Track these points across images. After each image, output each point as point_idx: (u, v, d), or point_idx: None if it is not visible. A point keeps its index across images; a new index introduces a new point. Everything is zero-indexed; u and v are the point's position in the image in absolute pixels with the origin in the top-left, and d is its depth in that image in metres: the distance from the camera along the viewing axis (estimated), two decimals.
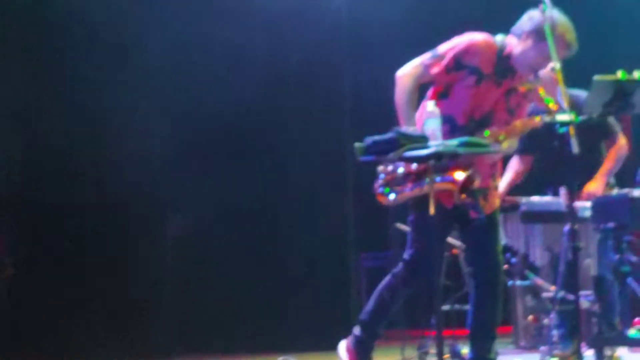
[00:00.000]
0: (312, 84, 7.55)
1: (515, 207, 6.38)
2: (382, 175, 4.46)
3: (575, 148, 4.09)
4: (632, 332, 5.12)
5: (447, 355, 5.52)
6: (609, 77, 4.83)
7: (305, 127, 7.58)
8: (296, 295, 7.55)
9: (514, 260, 6.63)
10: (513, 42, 4.53)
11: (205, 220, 7.56)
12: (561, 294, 5.75)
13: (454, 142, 4.17)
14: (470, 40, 4.51)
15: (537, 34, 4.42)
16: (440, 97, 4.54)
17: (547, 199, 6.09)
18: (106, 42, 7.29)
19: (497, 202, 4.67)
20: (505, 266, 6.42)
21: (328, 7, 7.57)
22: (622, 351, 5.59)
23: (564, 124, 4.14)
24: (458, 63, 4.48)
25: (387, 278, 4.74)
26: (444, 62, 4.49)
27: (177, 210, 7.55)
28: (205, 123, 7.51)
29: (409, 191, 4.43)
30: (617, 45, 7.71)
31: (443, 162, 4.19)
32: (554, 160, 5.38)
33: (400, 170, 4.42)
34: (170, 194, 7.53)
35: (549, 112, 4.39)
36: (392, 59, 8.02)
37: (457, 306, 6.46)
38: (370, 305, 4.80)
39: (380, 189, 4.48)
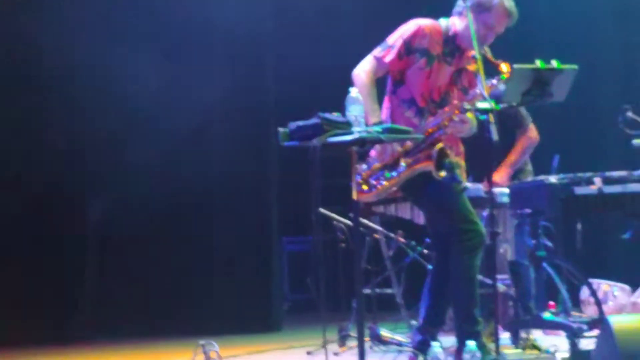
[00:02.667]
0: (236, 69, 7.51)
1: None
2: (358, 176, 4.58)
3: (494, 135, 4.17)
4: (546, 315, 5.23)
5: (367, 338, 5.57)
6: (528, 66, 4.91)
7: (228, 111, 7.54)
8: (219, 278, 7.53)
9: None
10: (456, 21, 4.70)
11: (127, 204, 7.48)
12: (479, 277, 5.85)
13: (377, 128, 4.23)
14: (417, 25, 4.69)
15: (477, 6, 4.60)
16: (397, 85, 4.74)
17: (467, 184, 6.17)
18: None
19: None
20: (425, 251, 6.51)
21: None
22: (537, 333, 5.71)
23: (484, 111, 4.21)
24: (408, 47, 4.65)
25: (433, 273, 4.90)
26: (395, 49, 4.66)
27: (98, 193, 7.45)
28: (127, 108, 7.41)
29: (390, 179, 4.57)
30: (536, 34, 7.84)
31: (367, 147, 4.29)
32: (474, 146, 5.48)
33: (377, 165, 4.55)
34: (90, 177, 7.43)
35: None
36: (316, 44, 8.09)
37: (377, 290, 6.53)
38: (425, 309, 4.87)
39: (359, 188, 4.59)
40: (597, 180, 5.06)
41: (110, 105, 7.42)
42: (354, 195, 4.21)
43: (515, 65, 4.89)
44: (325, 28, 8.18)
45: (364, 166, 4.70)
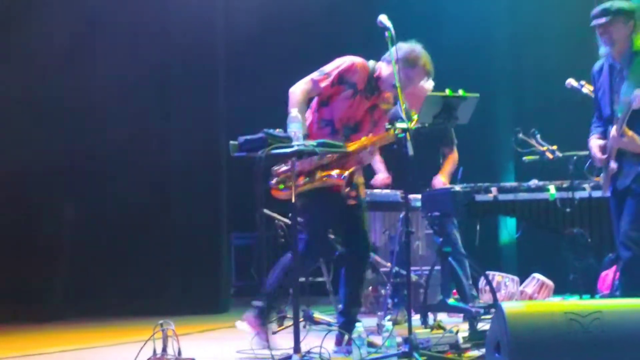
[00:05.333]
0: (193, 92, 7.50)
1: None
2: (275, 174, 4.58)
3: (410, 151, 4.19)
4: (451, 301, 5.28)
5: (301, 319, 5.56)
6: (438, 94, 4.98)
7: (187, 126, 7.53)
8: (176, 267, 7.48)
9: None
10: (383, 67, 4.71)
11: (99, 204, 7.40)
12: (395, 269, 5.89)
13: (312, 143, 4.24)
14: (352, 62, 4.70)
15: (404, 61, 4.61)
16: (322, 105, 4.74)
17: (387, 191, 6.21)
18: None
19: (363, 193, 4.89)
20: None
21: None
22: (442, 316, 5.78)
23: (402, 130, 4.24)
24: (341, 79, 4.67)
25: (288, 257, 4.77)
26: (331, 77, 4.66)
27: (72, 192, 7.36)
28: (97, 117, 7.34)
29: (302, 185, 4.56)
30: (446, 68, 7.93)
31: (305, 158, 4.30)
32: (394, 159, 5.53)
33: (296, 170, 4.54)
34: (65, 178, 7.34)
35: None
36: (264, 65, 8.06)
37: (310, 278, 6.52)
38: (273, 281, 4.77)
39: (275, 185, 4.58)
40: (494, 190, 5.12)
41: (87, 123, 7.34)
42: (292, 198, 4.21)
43: (428, 93, 4.95)
44: (271, 53, 8.16)
45: (284, 167, 4.61)
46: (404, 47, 4.61)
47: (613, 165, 4.31)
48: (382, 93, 4.75)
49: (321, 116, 4.73)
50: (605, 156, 4.34)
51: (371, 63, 4.73)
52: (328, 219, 4.71)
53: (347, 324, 4.70)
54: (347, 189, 4.55)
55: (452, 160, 6.12)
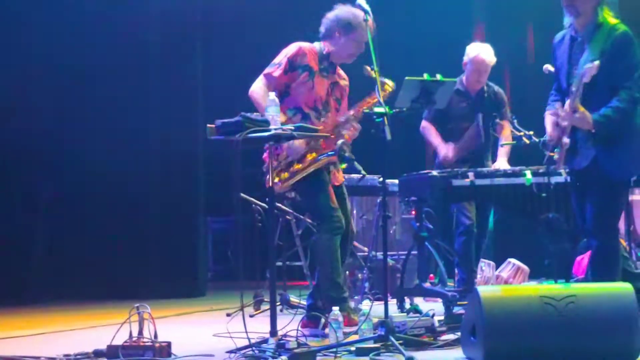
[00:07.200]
0: (170, 76, 7.46)
1: None
2: (268, 168, 4.54)
3: (388, 135, 4.17)
4: (427, 285, 5.30)
5: (278, 303, 5.56)
6: (417, 78, 4.97)
7: (164, 109, 7.49)
8: (153, 251, 7.45)
9: None
10: (327, 44, 4.75)
11: (76, 187, 7.35)
12: (372, 254, 5.90)
13: (289, 126, 4.22)
14: (297, 46, 4.74)
15: (344, 28, 4.63)
16: (283, 97, 4.70)
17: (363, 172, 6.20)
18: None
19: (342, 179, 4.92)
20: None
21: None
22: (418, 300, 5.80)
23: (380, 115, 4.22)
24: (292, 65, 4.68)
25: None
26: (282, 66, 4.68)
27: (50, 173, 7.32)
28: (74, 98, 7.31)
29: (297, 171, 4.57)
30: (424, 54, 7.93)
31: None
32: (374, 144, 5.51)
33: (286, 161, 4.55)
34: (42, 161, 7.29)
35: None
36: (241, 50, 8.04)
37: (287, 262, 6.52)
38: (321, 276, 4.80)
39: (269, 178, 4.55)
40: (471, 175, 5.14)
41: (61, 96, 7.30)
42: (270, 183, 4.19)
43: (407, 77, 4.95)
44: (253, 30, 8.13)
45: (275, 163, 4.63)
46: (336, 17, 4.68)
47: (566, 140, 4.18)
48: (337, 69, 4.79)
49: (287, 106, 4.72)
50: (556, 134, 4.24)
51: (317, 44, 4.78)
52: (328, 192, 4.68)
53: (315, 307, 4.68)
54: (344, 166, 4.58)
55: (505, 138, 5.85)
